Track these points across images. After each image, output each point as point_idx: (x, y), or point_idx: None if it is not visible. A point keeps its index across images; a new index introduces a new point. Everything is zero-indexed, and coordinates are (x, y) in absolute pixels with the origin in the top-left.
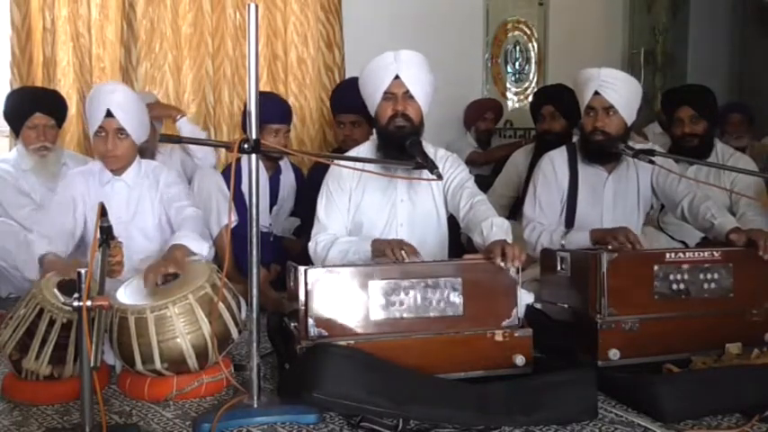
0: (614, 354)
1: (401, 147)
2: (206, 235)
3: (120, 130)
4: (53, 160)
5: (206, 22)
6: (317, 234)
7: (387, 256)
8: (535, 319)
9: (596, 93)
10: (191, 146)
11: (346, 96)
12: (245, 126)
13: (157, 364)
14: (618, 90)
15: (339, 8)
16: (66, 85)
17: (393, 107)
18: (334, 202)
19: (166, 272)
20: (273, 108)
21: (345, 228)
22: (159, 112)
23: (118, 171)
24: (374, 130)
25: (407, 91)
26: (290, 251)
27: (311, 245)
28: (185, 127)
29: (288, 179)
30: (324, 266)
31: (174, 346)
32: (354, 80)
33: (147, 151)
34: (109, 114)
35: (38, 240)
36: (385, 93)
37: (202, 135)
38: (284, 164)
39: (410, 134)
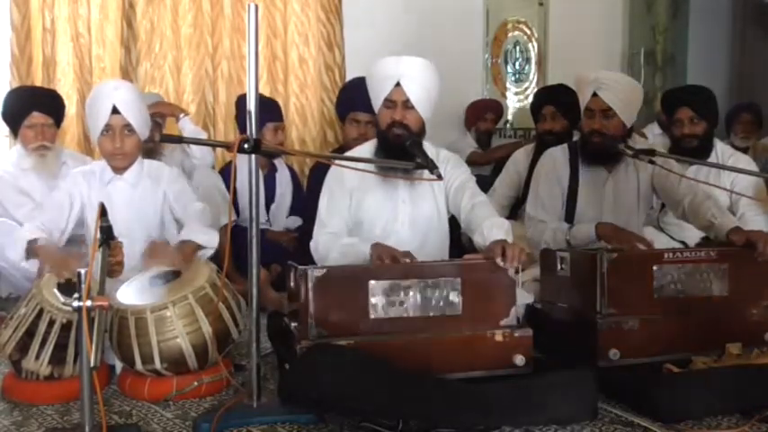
0: (614, 354)
1: (399, 152)
2: (216, 225)
3: (127, 126)
4: (53, 159)
5: (206, 22)
6: (319, 233)
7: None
8: (535, 319)
9: (594, 94)
10: (190, 145)
11: (366, 94)
12: (242, 124)
13: (157, 364)
14: (616, 92)
15: (339, 8)
16: (66, 85)
17: (392, 115)
18: (335, 200)
19: (170, 266)
20: (269, 107)
21: (346, 226)
22: (163, 110)
23: (120, 170)
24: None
25: (407, 100)
26: (278, 242)
27: (313, 243)
28: (188, 126)
29: (284, 176)
30: (324, 267)
31: (174, 345)
32: None
33: (153, 152)
34: (115, 111)
35: (27, 225)
36: (385, 99)
37: (203, 135)
38: (279, 162)
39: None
